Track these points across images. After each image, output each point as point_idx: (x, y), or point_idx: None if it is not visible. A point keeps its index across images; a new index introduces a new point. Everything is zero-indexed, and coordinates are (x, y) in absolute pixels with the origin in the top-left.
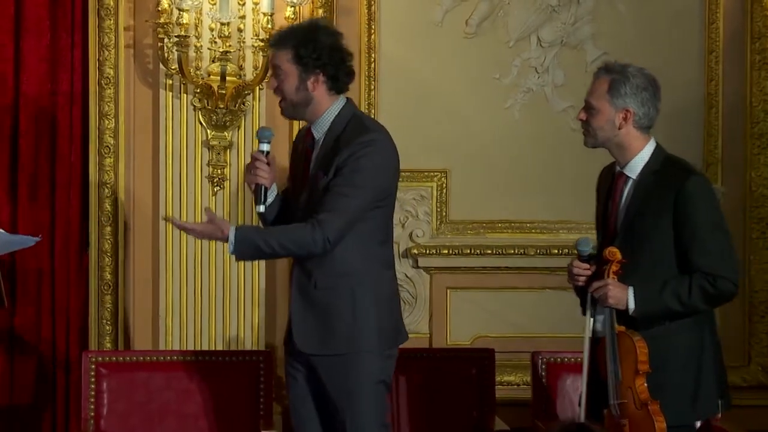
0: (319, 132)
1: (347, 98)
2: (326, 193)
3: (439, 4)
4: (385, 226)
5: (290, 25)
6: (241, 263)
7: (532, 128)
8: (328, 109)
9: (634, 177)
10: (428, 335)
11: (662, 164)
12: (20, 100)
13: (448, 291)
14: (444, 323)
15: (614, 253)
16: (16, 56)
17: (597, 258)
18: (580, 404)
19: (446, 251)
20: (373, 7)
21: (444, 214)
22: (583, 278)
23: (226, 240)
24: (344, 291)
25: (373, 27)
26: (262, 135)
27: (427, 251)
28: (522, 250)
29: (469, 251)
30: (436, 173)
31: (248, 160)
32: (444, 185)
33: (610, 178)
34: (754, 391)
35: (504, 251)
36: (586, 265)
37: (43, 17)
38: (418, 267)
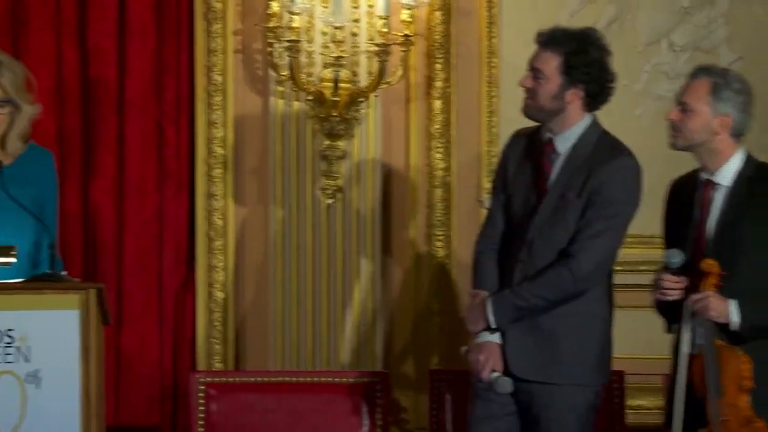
0: (564, 146)
1: (593, 115)
2: (579, 223)
3: (564, 6)
4: (618, 249)
5: (560, 27)
6: (356, 281)
7: (663, 137)
8: (577, 123)
9: (726, 185)
10: None
11: (756, 171)
12: (124, 107)
13: None
14: None
15: (712, 265)
16: (119, 61)
17: (684, 270)
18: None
19: None
20: (493, 9)
21: None
22: (675, 292)
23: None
24: (575, 319)
25: (493, 30)
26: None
27: None
28: (655, 267)
29: None
30: None
31: (363, 170)
32: None
33: (690, 188)
34: None
35: (636, 268)
36: (678, 278)
37: (147, 21)
38: None
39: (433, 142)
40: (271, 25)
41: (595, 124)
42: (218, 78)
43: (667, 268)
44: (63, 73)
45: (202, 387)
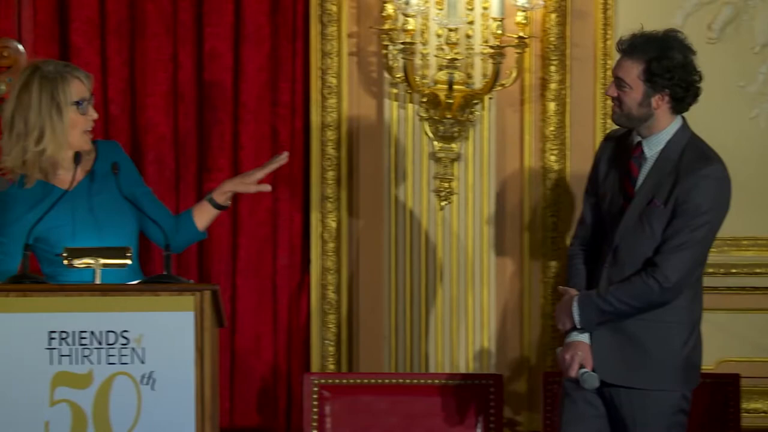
0: (652, 150)
1: (682, 117)
2: (665, 231)
3: (679, 7)
4: (706, 257)
5: (642, 32)
6: (470, 283)
7: None
8: (666, 128)
9: None
10: None
11: None
12: (239, 110)
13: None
14: None
15: None
16: (235, 65)
17: None
18: None
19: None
20: (608, 11)
21: None
22: None
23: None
24: (661, 325)
25: (608, 32)
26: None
27: None
28: None
29: (712, 270)
30: None
31: (477, 173)
32: None
33: None
34: None
35: (751, 270)
36: None
37: (263, 25)
38: None
39: (547, 144)
40: (385, 27)
41: (684, 128)
42: (333, 80)
43: None
44: (179, 77)
45: (316, 389)
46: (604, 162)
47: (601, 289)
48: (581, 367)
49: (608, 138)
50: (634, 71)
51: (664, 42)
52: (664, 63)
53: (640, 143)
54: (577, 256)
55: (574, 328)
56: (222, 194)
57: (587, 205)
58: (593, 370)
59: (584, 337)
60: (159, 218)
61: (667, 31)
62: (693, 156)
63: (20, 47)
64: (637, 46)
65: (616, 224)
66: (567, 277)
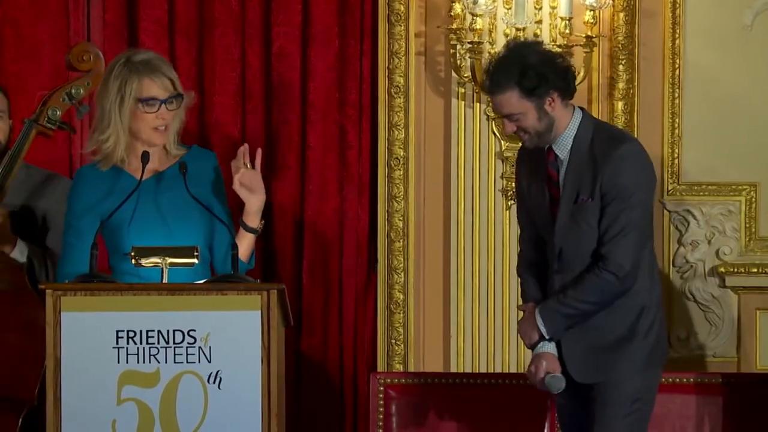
0: (563, 150)
1: (581, 108)
2: (601, 222)
3: (749, 6)
4: (649, 231)
5: (486, 67)
6: None
7: None
8: (569, 124)
9: None
10: (735, 359)
11: None
12: (307, 110)
13: (758, 312)
14: (753, 347)
15: None
16: (302, 65)
17: None
18: None
19: (756, 270)
20: (677, 10)
21: (753, 230)
22: None
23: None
24: (622, 313)
25: (677, 31)
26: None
27: (735, 270)
28: None
29: None
30: (744, 186)
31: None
32: (753, 199)
33: None
34: None
35: None
36: None
37: (331, 24)
38: (725, 286)
39: None
40: (453, 26)
41: (586, 118)
42: (400, 80)
43: None
44: (247, 77)
45: (382, 388)
46: (524, 176)
47: (558, 295)
48: (546, 374)
49: (521, 149)
50: (513, 99)
51: (512, 57)
52: (530, 72)
53: (551, 148)
54: (526, 273)
55: (540, 340)
56: (248, 214)
57: (523, 222)
58: (566, 377)
59: (549, 348)
60: (224, 230)
61: (505, 47)
62: (603, 141)
63: (100, 54)
64: (497, 79)
65: (552, 230)
66: (522, 295)
